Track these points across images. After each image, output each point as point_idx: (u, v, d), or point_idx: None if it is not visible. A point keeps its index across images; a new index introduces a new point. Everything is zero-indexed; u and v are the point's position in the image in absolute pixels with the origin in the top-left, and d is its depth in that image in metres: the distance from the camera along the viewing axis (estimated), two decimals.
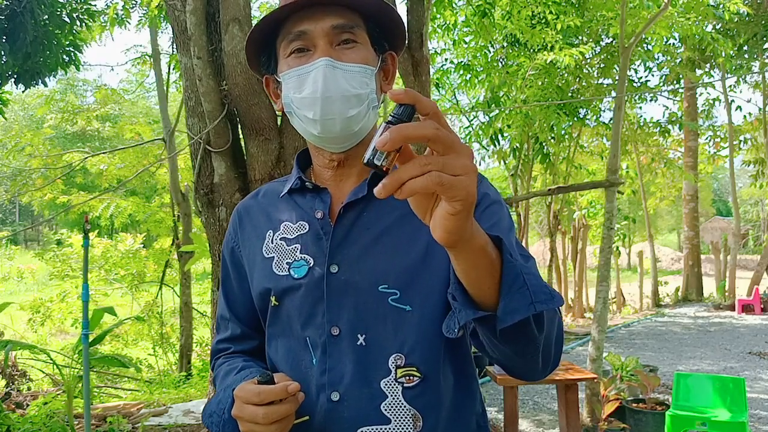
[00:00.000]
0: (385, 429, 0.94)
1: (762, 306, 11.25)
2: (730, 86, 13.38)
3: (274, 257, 1.04)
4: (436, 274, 0.97)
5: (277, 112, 2.91)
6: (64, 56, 5.71)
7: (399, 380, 0.95)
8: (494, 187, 1.08)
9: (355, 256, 0.99)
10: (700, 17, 6.98)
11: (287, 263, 1.02)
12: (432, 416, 0.95)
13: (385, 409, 0.94)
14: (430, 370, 0.96)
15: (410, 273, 0.97)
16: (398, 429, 0.94)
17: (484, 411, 1.07)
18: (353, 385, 0.95)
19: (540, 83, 7.45)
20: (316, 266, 1.00)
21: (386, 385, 0.95)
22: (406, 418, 0.94)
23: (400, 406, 0.94)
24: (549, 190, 6.14)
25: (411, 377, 0.95)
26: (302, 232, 1.03)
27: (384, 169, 0.64)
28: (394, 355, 0.95)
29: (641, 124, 10.30)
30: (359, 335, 0.96)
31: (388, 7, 1.02)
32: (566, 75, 7.58)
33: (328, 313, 0.97)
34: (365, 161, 0.64)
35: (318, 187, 1.05)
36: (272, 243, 1.05)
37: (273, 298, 1.02)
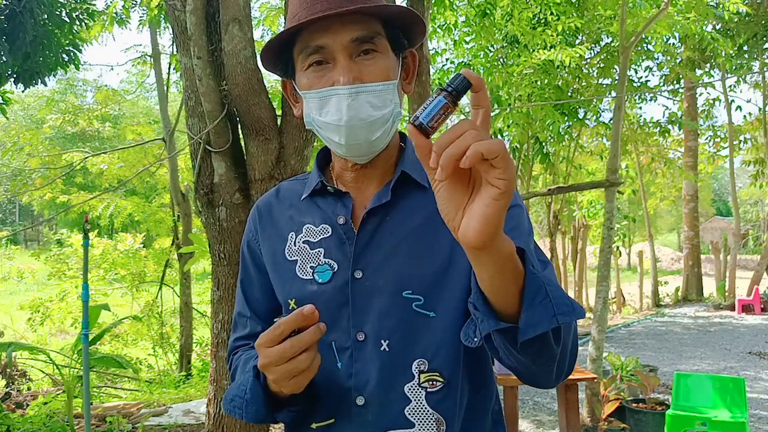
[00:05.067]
0: None
1: (762, 306, 11.25)
2: (730, 86, 13.32)
3: (297, 260, 1.03)
4: (459, 280, 0.97)
5: (278, 113, 2.92)
6: (64, 56, 5.71)
7: (422, 385, 0.96)
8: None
9: (379, 262, 0.98)
10: (700, 16, 6.97)
11: (311, 267, 1.01)
12: (453, 419, 0.96)
13: (409, 414, 0.95)
14: (453, 375, 0.96)
15: (434, 279, 0.97)
16: None
17: (501, 408, 1.07)
18: (378, 389, 0.96)
19: (538, 82, 7.45)
20: (340, 271, 0.99)
21: (410, 389, 0.96)
22: (429, 422, 0.95)
23: (424, 411, 0.95)
24: (549, 190, 6.14)
25: (434, 382, 0.96)
26: (325, 235, 1.03)
27: (431, 129, 0.68)
28: (417, 361, 0.96)
29: (641, 124, 10.29)
30: (382, 341, 0.96)
31: (406, 11, 1.00)
32: (566, 75, 7.58)
33: (353, 318, 0.97)
34: (415, 122, 0.69)
35: (340, 192, 1.04)
36: (295, 245, 1.04)
37: (292, 302, 1.02)
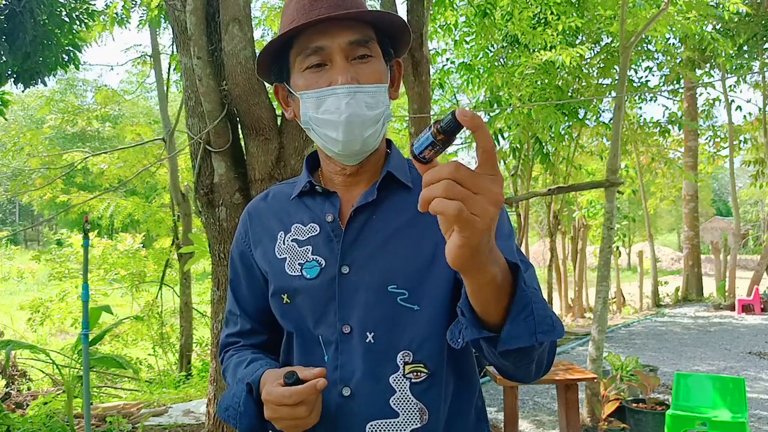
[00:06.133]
0: (394, 422, 0.98)
1: (762, 306, 11.24)
2: (730, 86, 13.28)
3: (286, 258, 1.07)
4: (443, 275, 1.01)
5: (278, 113, 2.91)
6: (64, 56, 5.71)
7: (407, 376, 0.99)
8: None
9: (365, 258, 1.03)
10: (700, 15, 6.96)
11: (299, 264, 1.06)
12: (437, 410, 1.00)
13: (394, 404, 0.99)
14: (437, 367, 1.00)
15: (418, 274, 1.01)
16: (406, 422, 0.98)
17: (484, 404, 1.11)
18: (363, 380, 1.00)
19: (539, 82, 7.45)
20: (327, 267, 1.04)
21: (395, 380, 1.00)
22: (413, 411, 0.99)
23: (408, 401, 0.99)
24: (549, 190, 6.14)
25: (419, 373, 1.00)
26: (313, 234, 1.07)
27: (425, 159, 0.71)
28: (402, 352, 1.00)
29: (641, 124, 10.29)
30: (368, 333, 1.00)
31: (398, 19, 1.05)
32: (566, 75, 7.58)
33: (339, 312, 1.01)
34: (412, 154, 0.72)
35: (328, 191, 1.08)
36: (284, 244, 1.09)
37: (285, 297, 1.06)
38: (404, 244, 1.03)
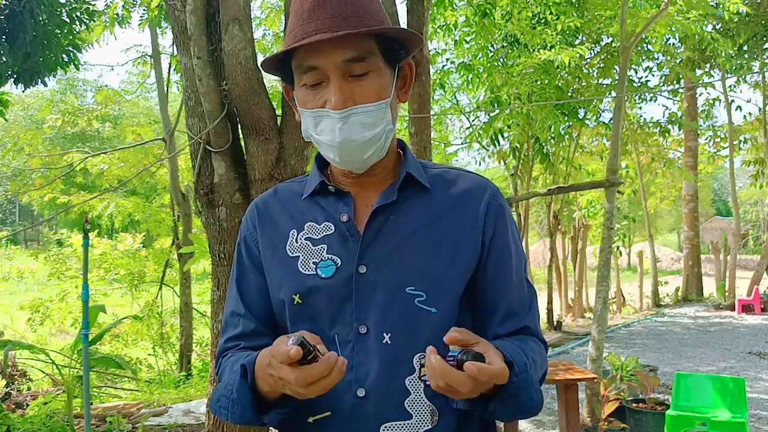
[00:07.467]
0: (407, 424, 0.98)
1: (762, 306, 11.24)
2: (730, 86, 13.26)
3: (299, 257, 1.05)
4: (461, 277, 1.01)
5: (278, 113, 2.91)
6: (64, 56, 5.71)
7: (422, 378, 0.99)
8: (504, 199, 1.11)
9: (383, 258, 1.01)
10: (700, 14, 6.96)
11: (314, 263, 1.03)
12: (448, 412, 1.00)
13: (408, 406, 0.99)
14: None
15: (437, 276, 1.00)
16: (418, 424, 0.98)
17: None
18: (379, 382, 0.98)
19: (538, 82, 7.45)
20: (343, 266, 1.02)
21: (410, 382, 0.99)
22: (425, 414, 0.99)
23: (422, 403, 0.99)
24: (549, 190, 6.14)
25: None
26: (328, 233, 1.05)
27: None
28: (418, 354, 0.99)
29: (641, 124, 10.29)
30: (385, 334, 0.99)
31: (402, 31, 1.02)
32: (566, 75, 7.58)
33: (356, 312, 1.00)
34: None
35: (341, 191, 1.07)
36: (297, 242, 1.06)
37: (296, 297, 1.03)
38: (422, 245, 1.02)
